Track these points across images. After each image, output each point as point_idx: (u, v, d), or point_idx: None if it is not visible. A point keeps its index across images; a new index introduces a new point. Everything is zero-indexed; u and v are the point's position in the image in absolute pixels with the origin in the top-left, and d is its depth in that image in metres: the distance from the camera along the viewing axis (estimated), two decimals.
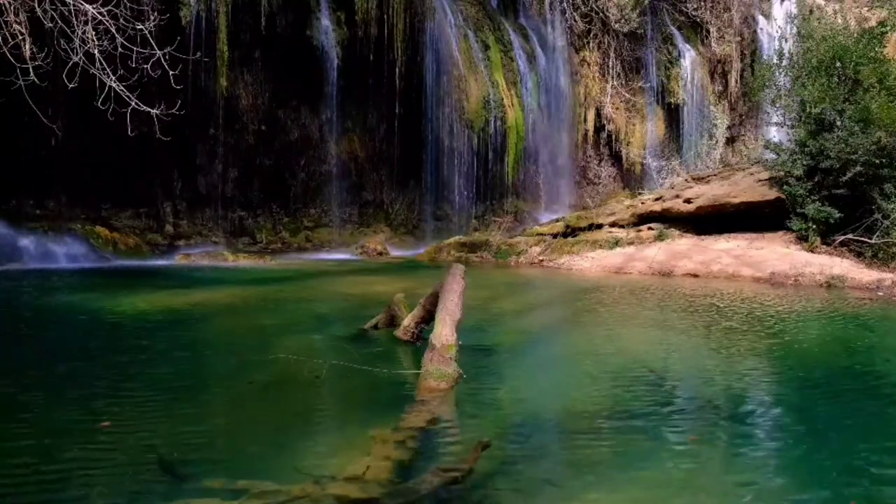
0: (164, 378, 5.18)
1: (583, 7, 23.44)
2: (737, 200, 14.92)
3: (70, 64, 6.87)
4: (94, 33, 6.77)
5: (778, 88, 16.32)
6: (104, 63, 6.92)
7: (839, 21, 16.30)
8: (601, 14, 23.60)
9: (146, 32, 7.11)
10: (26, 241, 14.09)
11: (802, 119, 14.94)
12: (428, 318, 6.02)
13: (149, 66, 7.07)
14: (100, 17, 6.80)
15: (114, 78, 6.96)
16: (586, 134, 24.42)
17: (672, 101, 25.75)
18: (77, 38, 6.76)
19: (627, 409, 4.51)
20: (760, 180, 15.06)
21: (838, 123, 13.82)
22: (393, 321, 6.67)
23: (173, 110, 7.72)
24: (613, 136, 24.79)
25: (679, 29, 26.31)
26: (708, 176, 17.54)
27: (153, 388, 4.87)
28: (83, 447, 3.65)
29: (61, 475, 3.29)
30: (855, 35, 14.91)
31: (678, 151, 25.28)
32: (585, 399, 4.74)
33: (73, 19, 6.78)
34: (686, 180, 18.00)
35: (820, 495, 3.28)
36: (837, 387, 5.29)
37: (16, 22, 6.84)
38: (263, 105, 18.19)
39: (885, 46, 14.80)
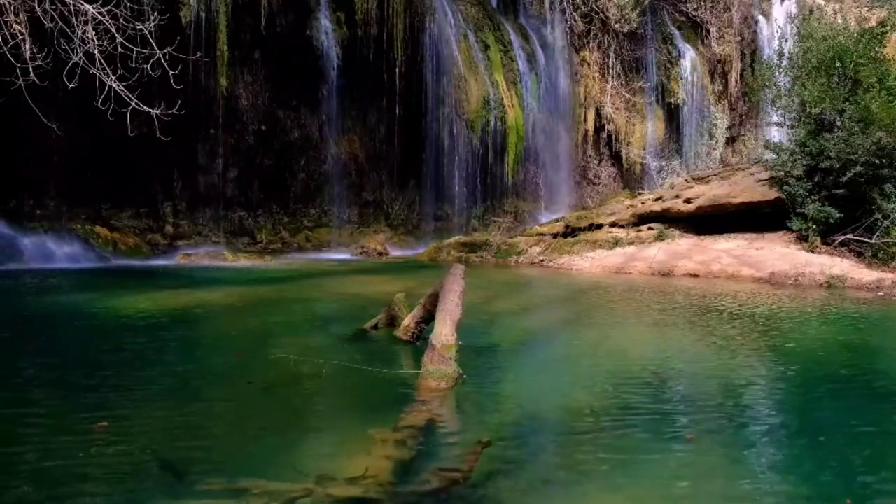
0: (163, 378, 5.18)
1: (583, 7, 23.43)
2: (737, 200, 14.92)
3: (70, 64, 6.87)
4: (94, 33, 6.77)
5: (778, 88, 16.31)
6: (104, 63, 6.92)
7: (839, 21, 16.33)
8: (601, 14, 23.60)
9: (146, 32, 7.11)
10: (26, 241, 14.08)
11: (802, 119, 14.94)
12: (428, 318, 6.02)
13: (149, 66, 7.07)
14: (100, 17, 6.80)
15: (114, 78, 6.96)
16: (586, 134, 24.41)
17: (672, 101, 25.74)
18: (77, 38, 6.76)
19: (627, 408, 4.51)
20: (760, 180, 15.06)
21: (838, 123, 13.82)
22: (393, 321, 6.67)
23: (173, 110, 7.72)
24: (613, 136, 24.78)
25: (679, 29, 26.31)
26: (708, 176, 17.54)
27: (153, 388, 4.87)
28: (83, 447, 3.64)
29: (61, 475, 3.29)
30: (855, 35, 14.91)
31: (678, 151, 25.29)
32: (585, 399, 4.74)
33: (73, 19, 6.78)
34: (686, 180, 18.00)
35: (819, 495, 3.28)
36: (837, 386, 5.30)
37: (16, 22, 6.84)
38: (263, 105, 18.18)
39: (885, 46, 14.79)
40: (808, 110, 14.51)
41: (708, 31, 26.42)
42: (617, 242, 15.41)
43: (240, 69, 17.52)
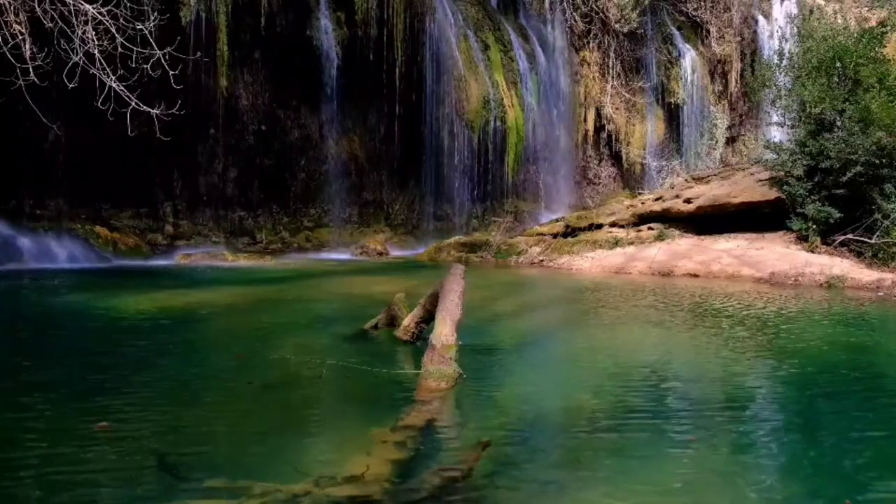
0: (163, 378, 5.17)
1: (583, 7, 23.44)
2: (737, 200, 14.92)
3: (70, 64, 6.87)
4: (94, 33, 6.77)
5: (778, 88, 16.31)
6: (104, 63, 6.93)
7: (839, 21, 16.32)
8: (601, 14, 23.60)
9: (146, 32, 7.12)
10: (26, 241, 14.08)
11: (802, 119, 14.93)
12: (428, 318, 6.02)
13: (149, 66, 7.07)
14: (100, 17, 6.80)
15: (114, 78, 6.96)
16: (586, 134, 24.42)
17: (672, 101, 25.75)
18: (77, 38, 6.77)
19: (627, 409, 4.51)
20: (760, 180, 15.06)
21: (838, 123, 13.81)
22: (393, 321, 6.66)
23: (173, 110, 7.72)
24: (613, 136, 24.79)
25: (679, 29, 26.32)
26: (708, 176, 17.53)
27: (153, 389, 4.87)
28: (83, 448, 3.64)
29: (61, 476, 3.29)
30: (855, 35, 14.90)
31: (678, 151, 25.29)
32: (585, 399, 4.74)
33: (73, 19, 6.78)
34: (686, 180, 18.00)
35: (819, 495, 3.28)
36: (837, 387, 5.29)
37: (16, 22, 6.85)
38: (263, 105, 18.18)
39: (885, 46, 14.79)
40: (808, 110, 14.50)
41: (708, 31, 26.43)
42: (617, 242, 15.41)
43: (240, 69, 17.52)
